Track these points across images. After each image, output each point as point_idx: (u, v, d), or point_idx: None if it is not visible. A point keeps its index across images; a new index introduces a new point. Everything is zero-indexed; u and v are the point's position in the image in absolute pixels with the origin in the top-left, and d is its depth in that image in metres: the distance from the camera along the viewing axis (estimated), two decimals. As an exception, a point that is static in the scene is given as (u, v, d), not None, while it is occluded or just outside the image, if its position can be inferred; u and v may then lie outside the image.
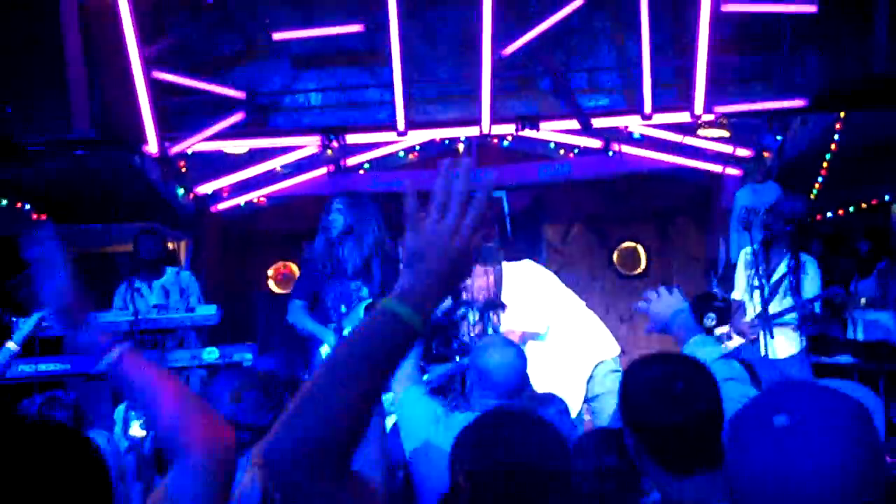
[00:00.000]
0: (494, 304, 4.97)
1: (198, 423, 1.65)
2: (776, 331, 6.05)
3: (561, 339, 5.03)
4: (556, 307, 5.06)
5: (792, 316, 6.11)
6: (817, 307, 6.20)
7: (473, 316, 5.14)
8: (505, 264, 5.09)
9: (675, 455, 1.98)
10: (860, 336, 7.44)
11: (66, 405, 3.90)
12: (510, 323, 4.95)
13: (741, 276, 6.44)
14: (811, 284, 6.21)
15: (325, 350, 5.44)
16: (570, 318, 5.10)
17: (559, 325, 5.04)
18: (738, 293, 6.46)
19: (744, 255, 6.49)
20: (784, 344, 6.10)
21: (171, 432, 1.65)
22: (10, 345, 4.26)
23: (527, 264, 5.25)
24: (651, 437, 1.98)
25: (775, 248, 6.28)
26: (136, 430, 3.49)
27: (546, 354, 4.92)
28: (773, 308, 6.16)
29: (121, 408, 3.69)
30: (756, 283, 6.19)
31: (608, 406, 4.76)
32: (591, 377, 5.02)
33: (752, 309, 6.26)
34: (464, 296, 5.00)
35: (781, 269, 6.22)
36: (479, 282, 4.92)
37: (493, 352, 3.35)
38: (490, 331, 4.90)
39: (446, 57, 6.68)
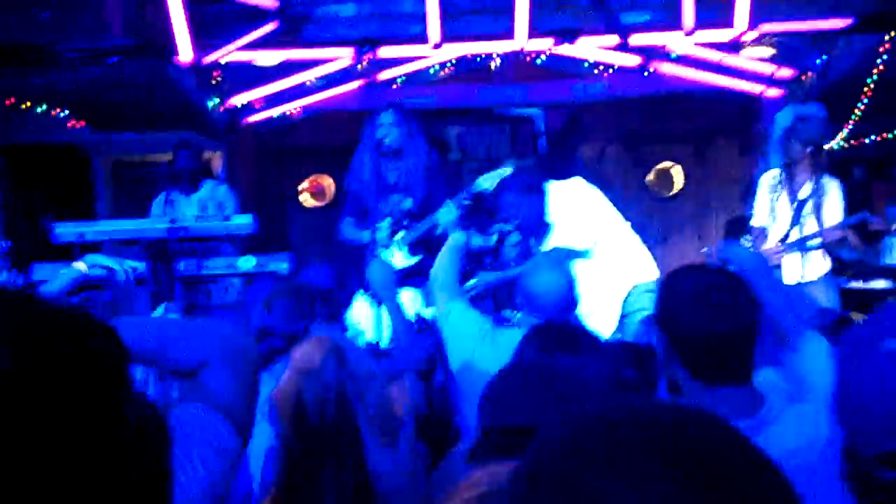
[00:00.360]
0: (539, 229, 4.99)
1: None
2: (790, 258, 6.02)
3: (605, 257, 5.04)
4: (602, 226, 5.05)
5: (816, 241, 6.03)
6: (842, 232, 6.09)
7: (515, 237, 5.17)
8: (553, 183, 5.08)
9: (709, 364, 2.01)
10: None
11: (101, 305, 3.96)
12: (556, 240, 4.96)
13: (763, 200, 6.32)
14: (831, 208, 6.08)
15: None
16: (614, 238, 5.10)
17: (604, 243, 5.04)
18: (759, 219, 6.35)
19: (765, 180, 6.36)
20: (811, 269, 6.05)
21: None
22: (80, 265, 4.21)
23: (576, 182, 5.22)
24: (687, 344, 2.01)
25: (798, 170, 6.16)
26: None
27: (590, 272, 4.95)
28: (796, 233, 6.08)
29: (160, 309, 3.76)
30: (779, 206, 6.12)
31: (633, 322, 4.80)
32: (627, 295, 5.05)
33: (775, 233, 6.20)
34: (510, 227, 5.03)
35: (805, 192, 6.11)
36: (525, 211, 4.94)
37: (541, 273, 3.35)
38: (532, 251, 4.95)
39: (483, -32, 6.55)
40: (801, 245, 6.01)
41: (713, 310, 1.99)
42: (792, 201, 6.14)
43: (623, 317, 5.08)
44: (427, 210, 5.29)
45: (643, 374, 2.28)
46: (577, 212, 4.98)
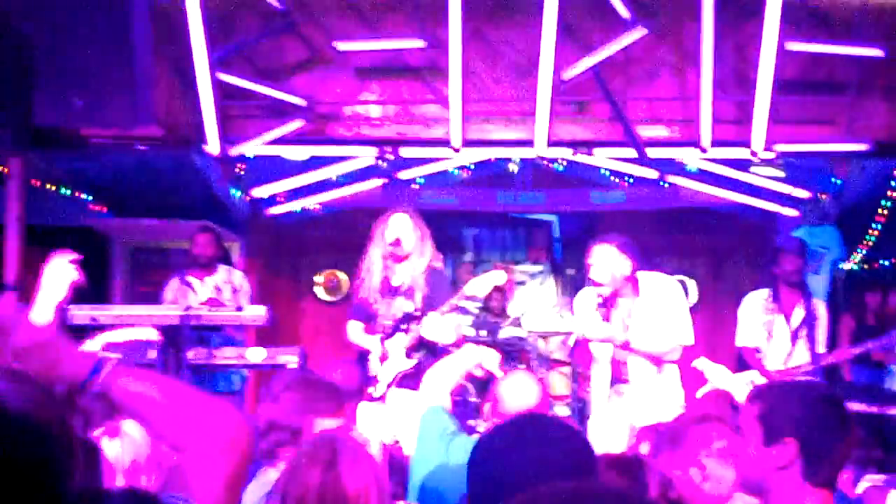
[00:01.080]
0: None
1: (200, 421, 1.65)
2: None
3: None
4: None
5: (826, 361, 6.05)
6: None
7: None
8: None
9: None
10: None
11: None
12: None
13: (757, 321, 6.27)
14: (821, 332, 6.12)
15: (372, 360, 5.50)
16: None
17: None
18: (750, 339, 6.26)
19: (753, 300, 6.33)
20: None
21: (174, 437, 1.68)
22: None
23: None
24: None
25: (790, 293, 6.17)
26: None
27: None
28: (795, 355, 6.10)
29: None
30: (777, 328, 6.13)
31: None
32: None
33: (774, 354, 6.18)
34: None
35: (798, 313, 6.13)
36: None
37: (513, 379, 3.35)
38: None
39: (506, 78, 6.72)
40: (817, 366, 5.99)
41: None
42: (788, 323, 6.15)
43: None
44: (426, 313, 5.33)
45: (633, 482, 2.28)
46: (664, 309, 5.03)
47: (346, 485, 2.18)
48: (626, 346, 4.93)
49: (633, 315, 5.01)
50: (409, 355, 5.44)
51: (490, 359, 3.97)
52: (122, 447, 2.46)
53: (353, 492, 2.18)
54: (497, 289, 6.24)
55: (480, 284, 5.34)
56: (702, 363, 3.62)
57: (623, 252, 4.98)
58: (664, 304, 5.03)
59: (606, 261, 4.97)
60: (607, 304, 5.01)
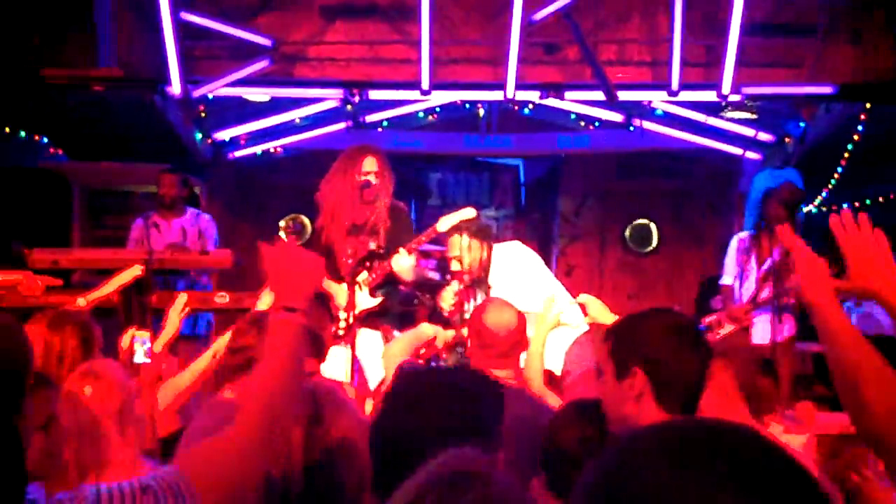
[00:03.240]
0: (481, 280, 4.98)
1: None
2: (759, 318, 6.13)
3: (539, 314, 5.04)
4: (539, 289, 5.05)
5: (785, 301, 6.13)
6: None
7: (458, 287, 5.16)
8: (496, 245, 5.09)
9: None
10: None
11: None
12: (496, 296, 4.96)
13: (732, 260, 6.44)
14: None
15: (338, 303, 5.46)
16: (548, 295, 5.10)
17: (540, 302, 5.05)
18: (728, 278, 6.47)
19: (736, 240, 6.50)
20: (781, 331, 6.11)
21: None
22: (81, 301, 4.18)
23: (511, 245, 5.24)
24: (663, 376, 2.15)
25: (769, 234, 6.27)
26: (141, 357, 3.49)
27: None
28: (765, 295, 6.19)
29: (126, 338, 3.71)
30: (749, 268, 6.25)
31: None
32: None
33: (742, 295, 6.30)
34: (456, 266, 5.02)
35: (774, 255, 6.22)
36: (474, 256, 4.93)
37: (493, 311, 3.37)
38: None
39: (475, 20, 6.63)
40: (773, 306, 6.08)
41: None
42: (761, 264, 6.24)
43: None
44: (390, 250, 5.32)
45: (604, 430, 2.29)
46: (515, 274, 4.98)
47: (333, 437, 2.17)
48: None
49: None
50: (373, 294, 5.44)
51: (442, 337, 4.03)
52: (104, 390, 2.42)
53: (339, 443, 2.17)
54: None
55: (450, 220, 5.30)
56: (583, 298, 3.67)
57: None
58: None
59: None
60: None
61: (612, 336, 2.26)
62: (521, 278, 4.93)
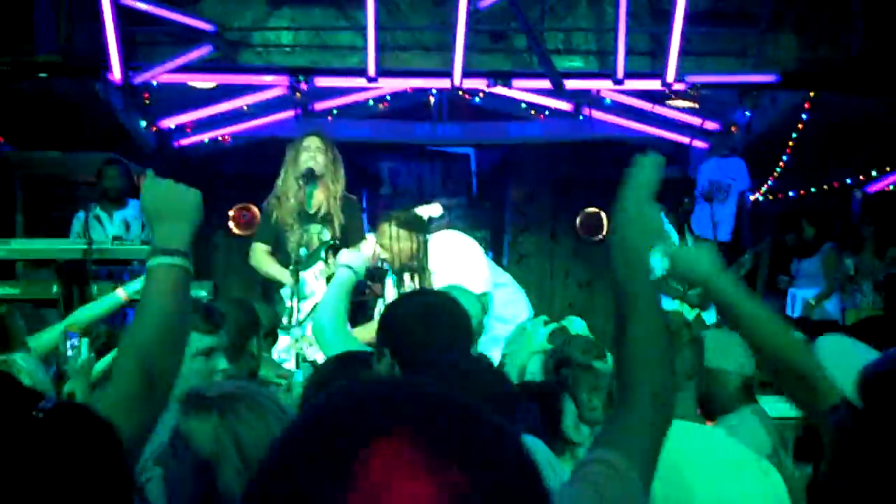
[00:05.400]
0: (412, 268, 4.96)
1: None
2: None
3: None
4: (480, 276, 5.05)
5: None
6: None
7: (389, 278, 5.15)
8: (433, 235, 5.07)
9: None
10: (796, 315, 7.56)
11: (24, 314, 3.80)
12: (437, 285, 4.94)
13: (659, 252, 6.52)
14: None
15: (284, 293, 5.41)
16: (490, 284, 5.09)
17: (480, 289, 5.04)
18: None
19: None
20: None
21: None
22: (121, 293, 3.89)
23: (448, 234, 5.23)
24: None
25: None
26: (67, 355, 3.38)
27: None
28: None
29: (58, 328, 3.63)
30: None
31: (516, 362, 4.82)
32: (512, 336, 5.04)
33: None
34: (385, 257, 4.99)
35: None
36: (402, 245, 4.89)
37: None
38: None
39: (422, 6, 6.60)
40: None
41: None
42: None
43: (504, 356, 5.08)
44: (346, 242, 5.27)
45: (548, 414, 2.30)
46: (454, 262, 4.98)
47: None
48: None
49: None
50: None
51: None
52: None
53: None
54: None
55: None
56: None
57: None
58: None
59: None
60: None
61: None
62: (460, 266, 4.92)
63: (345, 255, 5.02)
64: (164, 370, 1.69)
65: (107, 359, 3.39)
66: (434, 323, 2.24)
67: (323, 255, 5.32)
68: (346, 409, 0.77)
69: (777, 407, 3.64)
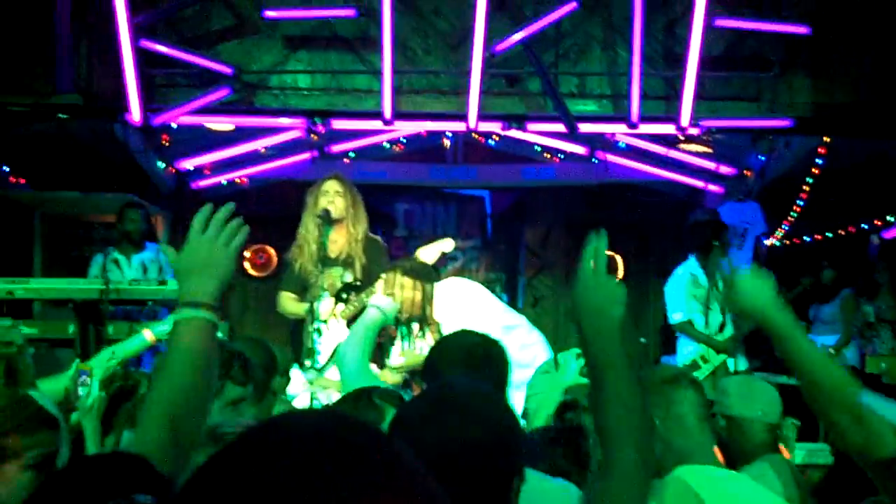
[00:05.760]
0: (419, 318, 4.93)
1: None
2: None
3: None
4: (487, 323, 5.00)
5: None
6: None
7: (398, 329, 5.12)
8: (437, 284, 5.05)
9: None
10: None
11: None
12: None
13: (685, 294, 6.40)
14: None
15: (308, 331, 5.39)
16: (505, 329, 5.04)
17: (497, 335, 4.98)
18: (679, 313, 6.45)
19: (687, 274, 6.48)
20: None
21: None
22: (148, 335, 3.89)
23: (454, 281, 5.20)
24: None
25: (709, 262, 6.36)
26: (78, 392, 3.37)
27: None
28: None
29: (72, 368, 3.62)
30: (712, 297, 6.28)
31: (542, 406, 4.75)
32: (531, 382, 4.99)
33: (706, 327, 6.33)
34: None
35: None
36: (406, 295, 4.86)
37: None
38: (411, 344, 4.90)
39: (437, 50, 6.66)
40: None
41: None
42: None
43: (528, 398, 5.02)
44: (367, 283, 5.25)
45: (572, 457, 2.26)
46: (460, 310, 4.94)
47: None
48: None
49: None
50: (350, 326, 5.38)
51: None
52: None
53: None
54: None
55: (429, 251, 5.26)
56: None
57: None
58: None
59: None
60: None
61: None
62: (469, 312, 4.88)
63: (377, 296, 5.02)
64: (190, 418, 1.69)
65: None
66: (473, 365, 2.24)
67: (343, 297, 5.31)
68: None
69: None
